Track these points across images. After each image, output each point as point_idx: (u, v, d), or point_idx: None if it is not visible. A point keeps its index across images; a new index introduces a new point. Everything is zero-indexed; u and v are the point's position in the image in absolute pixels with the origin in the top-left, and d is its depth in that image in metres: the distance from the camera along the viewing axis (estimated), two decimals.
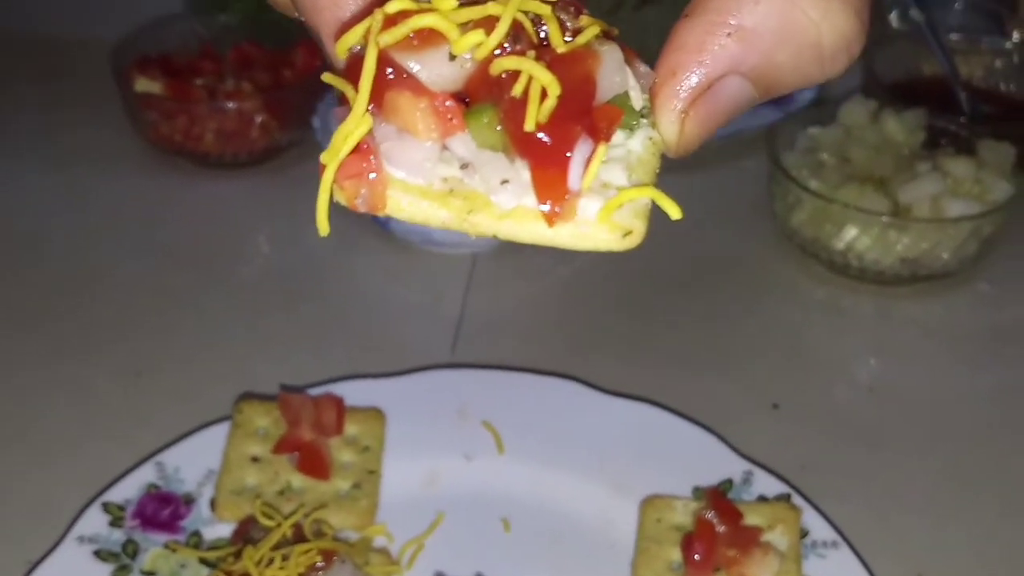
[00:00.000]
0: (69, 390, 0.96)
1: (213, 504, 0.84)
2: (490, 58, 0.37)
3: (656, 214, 0.39)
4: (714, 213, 1.19)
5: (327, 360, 0.98)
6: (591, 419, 0.91)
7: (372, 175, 0.38)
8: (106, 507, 0.83)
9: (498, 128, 0.37)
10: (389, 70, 0.36)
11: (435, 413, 0.92)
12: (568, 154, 0.37)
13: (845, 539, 0.82)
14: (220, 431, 0.88)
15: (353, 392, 0.91)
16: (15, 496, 0.87)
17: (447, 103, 0.37)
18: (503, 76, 0.37)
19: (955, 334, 1.07)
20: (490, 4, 0.37)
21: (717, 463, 0.87)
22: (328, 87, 0.38)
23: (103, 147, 1.27)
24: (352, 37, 0.37)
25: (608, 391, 0.93)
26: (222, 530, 0.82)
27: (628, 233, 0.38)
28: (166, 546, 0.81)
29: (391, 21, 0.36)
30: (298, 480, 0.85)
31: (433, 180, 0.38)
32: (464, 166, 0.38)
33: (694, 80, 0.37)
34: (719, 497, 0.81)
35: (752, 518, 0.81)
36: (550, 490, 0.87)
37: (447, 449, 0.89)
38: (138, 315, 1.05)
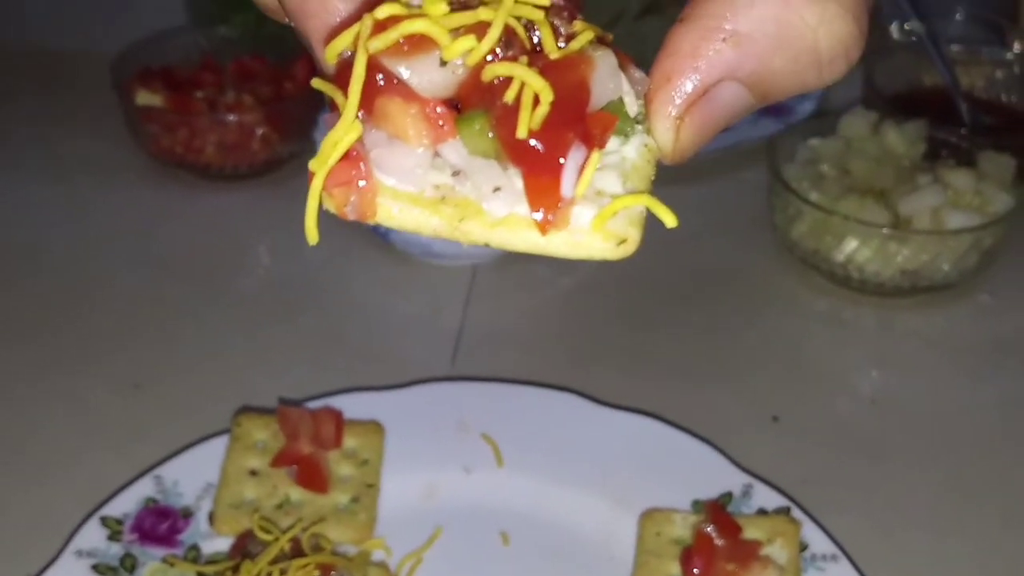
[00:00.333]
0: (67, 403, 0.96)
1: (211, 518, 0.83)
2: (482, 64, 0.36)
3: (653, 224, 0.39)
4: (714, 225, 1.19)
5: (326, 373, 0.98)
6: (591, 432, 0.91)
7: (361, 182, 0.37)
8: (104, 521, 0.82)
9: (490, 135, 0.37)
10: (379, 76, 0.36)
11: (434, 426, 0.91)
12: (561, 161, 0.36)
13: (845, 553, 0.81)
14: (218, 444, 0.88)
15: (352, 405, 0.91)
16: (13, 510, 0.87)
17: (438, 109, 0.37)
18: (495, 82, 0.36)
19: (956, 346, 1.06)
20: (481, 9, 0.36)
21: (717, 476, 0.87)
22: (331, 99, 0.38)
23: (104, 159, 1.27)
24: (341, 42, 0.37)
25: (608, 404, 0.93)
26: (220, 544, 0.82)
27: (623, 241, 0.37)
28: (164, 560, 0.81)
29: (381, 26, 0.36)
30: (297, 494, 0.84)
31: (424, 187, 0.38)
32: (456, 173, 0.38)
33: (689, 86, 0.37)
34: (718, 511, 0.81)
35: (751, 532, 0.80)
36: (549, 503, 0.87)
37: (446, 462, 0.89)
38: (137, 327, 1.05)
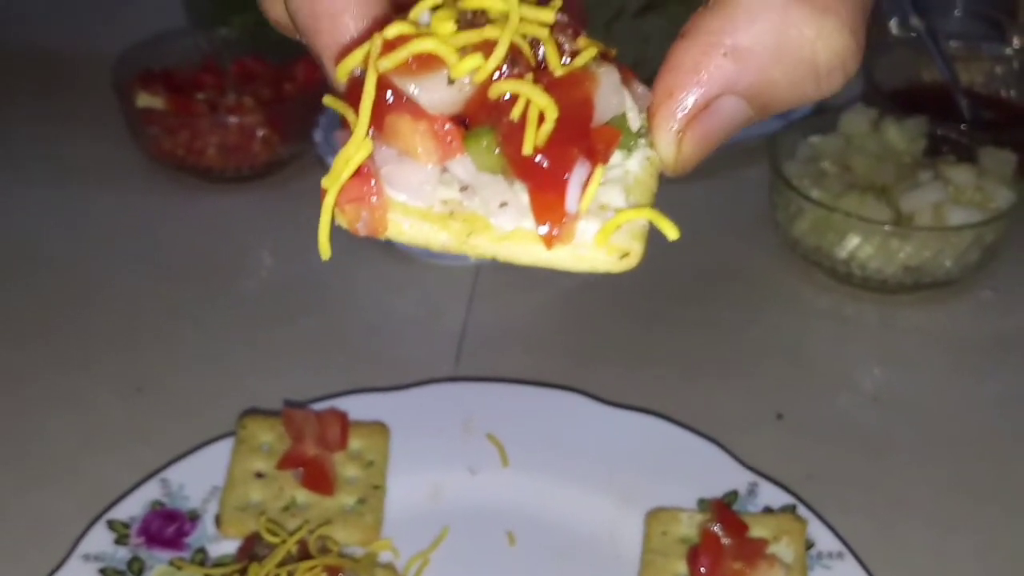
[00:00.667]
0: (71, 406, 0.96)
1: (218, 521, 0.83)
2: (488, 81, 0.37)
3: (655, 231, 0.40)
4: (716, 223, 1.19)
5: (330, 375, 0.98)
6: (595, 431, 0.91)
7: (373, 199, 0.38)
8: (111, 525, 0.83)
9: (497, 151, 0.37)
10: (389, 94, 0.37)
11: (439, 427, 0.92)
12: (566, 177, 0.37)
13: (851, 550, 0.82)
14: (224, 447, 0.88)
15: (357, 406, 0.91)
16: (19, 515, 0.87)
17: (446, 126, 0.38)
18: (502, 99, 0.37)
19: (959, 342, 1.07)
20: (487, 28, 0.37)
21: (722, 474, 0.87)
22: None
23: (104, 162, 1.27)
24: (352, 61, 0.37)
25: (612, 403, 0.93)
26: (227, 547, 0.82)
27: (625, 255, 0.38)
28: (171, 563, 0.81)
29: (390, 46, 0.37)
30: (303, 496, 0.84)
31: (433, 203, 0.39)
32: (464, 188, 0.39)
33: (691, 100, 0.38)
34: (724, 510, 0.81)
35: (757, 530, 0.80)
36: (555, 503, 0.87)
37: (451, 463, 0.89)
38: (140, 330, 1.05)
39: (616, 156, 0.39)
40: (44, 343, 1.04)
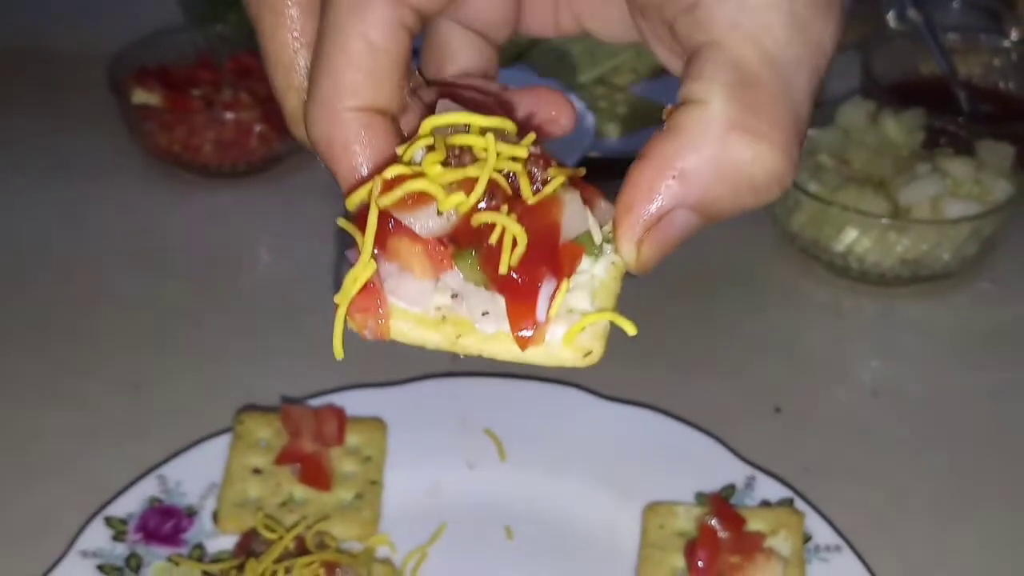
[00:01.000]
0: (68, 404, 0.96)
1: (215, 517, 0.84)
2: (472, 211, 0.43)
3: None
4: None
5: (327, 370, 0.98)
6: (593, 426, 0.91)
7: (379, 310, 0.45)
8: (108, 521, 0.83)
9: (478, 268, 0.44)
10: (390, 222, 0.44)
11: (436, 422, 0.91)
12: (536, 291, 0.43)
13: (848, 543, 0.82)
14: (221, 443, 0.88)
15: (354, 402, 0.91)
16: (17, 511, 0.87)
17: (439, 247, 0.44)
18: (482, 227, 0.43)
19: (957, 334, 1.07)
20: (470, 167, 0.43)
21: (719, 468, 0.87)
22: None
23: (101, 158, 1.27)
24: (358, 196, 0.44)
25: (609, 397, 0.93)
26: (225, 543, 0.82)
27: (588, 353, 0.45)
28: (169, 559, 0.81)
29: (389, 185, 0.43)
30: (300, 491, 0.84)
31: (429, 309, 0.45)
32: (454, 296, 0.45)
33: (647, 214, 0.43)
34: (722, 503, 0.81)
35: (755, 523, 0.80)
36: (553, 497, 0.87)
37: (449, 458, 0.89)
38: (136, 326, 1.05)
39: (584, 262, 0.45)
40: (40, 339, 1.03)
